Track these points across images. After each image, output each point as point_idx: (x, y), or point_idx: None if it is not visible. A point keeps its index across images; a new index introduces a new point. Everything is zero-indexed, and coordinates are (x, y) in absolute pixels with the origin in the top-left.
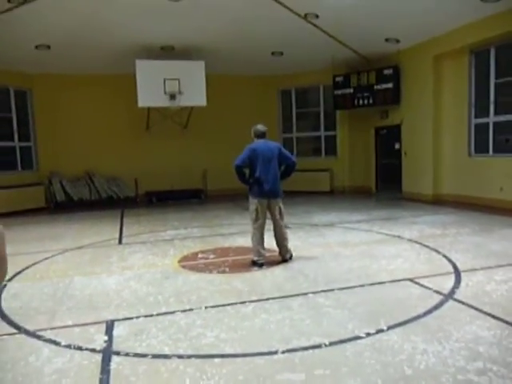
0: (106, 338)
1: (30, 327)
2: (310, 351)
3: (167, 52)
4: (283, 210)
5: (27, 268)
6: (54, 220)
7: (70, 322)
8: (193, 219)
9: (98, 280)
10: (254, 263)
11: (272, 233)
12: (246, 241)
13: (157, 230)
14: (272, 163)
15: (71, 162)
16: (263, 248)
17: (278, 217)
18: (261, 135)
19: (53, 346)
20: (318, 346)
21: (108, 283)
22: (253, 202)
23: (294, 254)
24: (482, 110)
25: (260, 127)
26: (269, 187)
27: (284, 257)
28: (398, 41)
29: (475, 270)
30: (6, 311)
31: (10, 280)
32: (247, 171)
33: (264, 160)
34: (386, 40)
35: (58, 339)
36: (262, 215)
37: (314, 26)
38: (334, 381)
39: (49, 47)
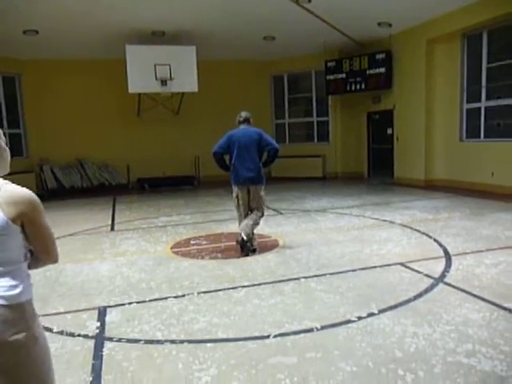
0: (98, 324)
1: None
2: (302, 335)
3: (158, 37)
4: (263, 198)
5: None
6: (46, 207)
7: (62, 309)
8: (185, 206)
9: (90, 267)
10: (237, 242)
11: (265, 220)
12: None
13: (149, 216)
14: (250, 150)
15: (62, 149)
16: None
17: (254, 204)
18: (242, 121)
19: (45, 333)
20: (310, 330)
21: (100, 270)
22: (234, 189)
23: (285, 240)
24: (473, 94)
25: (242, 113)
26: (246, 174)
27: (237, 239)
28: (390, 25)
29: (466, 253)
30: None
31: None
32: (228, 157)
33: (241, 147)
34: (379, 24)
35: (50, 326)
36: (242, 201)
37: (306, 10)
38: (325, 363)
39: (37, 32)
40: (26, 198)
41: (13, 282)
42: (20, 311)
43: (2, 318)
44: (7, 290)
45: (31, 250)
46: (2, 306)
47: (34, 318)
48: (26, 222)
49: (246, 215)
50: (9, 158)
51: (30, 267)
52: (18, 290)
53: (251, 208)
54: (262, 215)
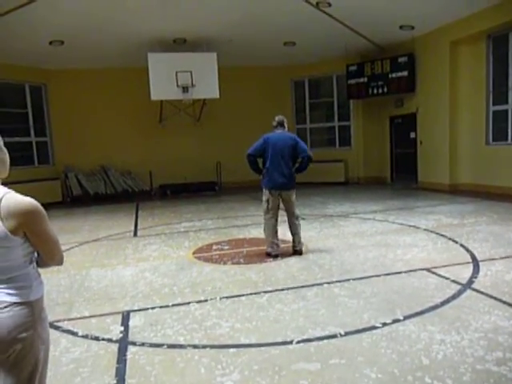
0: (122, 328)
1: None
2: (326, 341)
3: (179, 45)
4: (295, 202)
5: None
6: (71, 214)
7: (86, 313)
8: (207, 211)
9: (114, 272)
10: (269, 255)
11: (286, 224)
12: (260, 232)
13: (171, 222)
14: (284, 155)
15: (86, 157)
16: (276, 239)
17: (290, 209)
18: (277, 125)
19: (70, 337)
20: (334, 336)
21: (124, 275)
22: (265, 193)
23: (308, 245)
24: (500, 96)
25: (276, 117)
26: (279, 179)
27: (295, 247)
28: (412, 27)
29: (494, 259)
30: None
31: None
32: (261, 161)
33: (276, 151)
34: (401, 27)
35: (75, 330)
36: (273, 206)
37: (327, 14)
38: (349, 370)
39: (62, 42)
40: (25, 208)
41: (19, 284)
42: (29, 309)
43: (13, 316)
44: (14, 290)
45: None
46: (9, 304)
47: (43, 319)
48: (28, 232)
49: (276, 220)
50: (8, 160)
51: (38, 265)
52: (24, 291)
53: (287, 211)
54: (299, 219)
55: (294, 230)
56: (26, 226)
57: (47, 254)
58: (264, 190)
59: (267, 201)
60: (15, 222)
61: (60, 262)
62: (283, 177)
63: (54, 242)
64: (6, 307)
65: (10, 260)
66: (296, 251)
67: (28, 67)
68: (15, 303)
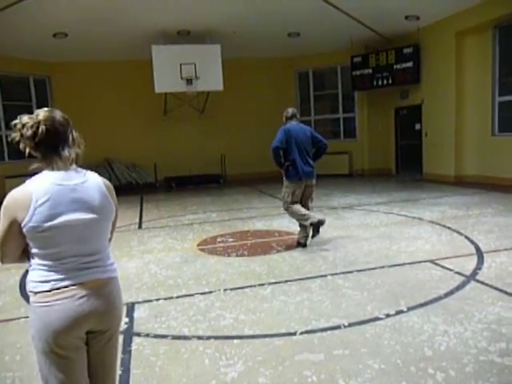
0: (126, 319)
1: None
2: (329, 332)
3: (183, 37)
4: (314, 192)
5: None
6: None
7: None
8: (211, 204)
9: (119, 264)
10: (299, 243)
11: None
12: (264, 224)
13: (176, 214)
14: (307, 145)
15: (91, 149)
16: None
17: (309, 200)
18: (290, 117)
19: None
20: (337, 327)
21: (128, 267)
22: (289, 186)
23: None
24: (506, 87)
25: (289, 109)
26: (306, 169)
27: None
28: (418, 18)
29: (498, 250)
30: None
31: None
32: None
33: (299, 142)
34: (406, 18)
35: None
36: (297, 198)
37: (331, 5)
38: (353, 361)
39: (66, 35)
40: (111, 186)
41: (112, 261)
42: (118, 284)
43: (117, 288)
44: (113, 266)
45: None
46: (114, 278)
47: None
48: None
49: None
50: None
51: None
52: (115, 266)
53: (306, 199)
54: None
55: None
56: (115, 202)
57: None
58: (288, 182)
59: (292, 193)
60: (114, 198)
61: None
62: (309, 166)
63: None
64: (117, 278)
65: (106, 236)
66: (313, 224)
67: (32, 60)
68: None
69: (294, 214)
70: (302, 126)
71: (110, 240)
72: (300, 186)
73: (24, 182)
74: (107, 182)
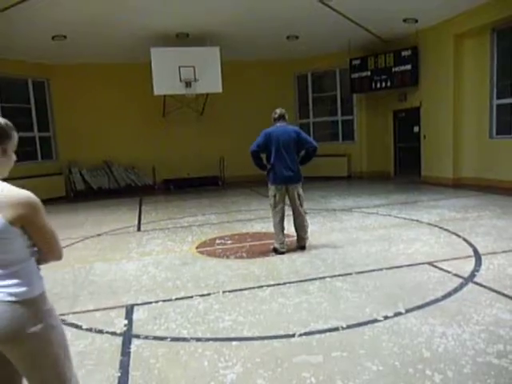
0: (125, 321)
1: None
2: (328, 334)
3: (182, 39)
4: (303, 195)
5: None
6: (74, 208)
7: (91, 307)
8: (210, 206)
9: (118, 266)
10: (275, 250)
11: (288, 220)
12: (263, 226)
13: (175, 216)
14: (289, 148)
15: (90, 152)
16: (283, 235)
17: (297, 203)
18: (277, 118)
19: (75, 330)
20: (336, 329)
21: (127, 269)
22: (271, 188)
23: (311, 240)
24: (504, 90)
25: (277, 110)
26: (285, 173)
27: (300, 243)
28: (416, 21)
29: (496, 253)
30: None
31: None
32: (265, 156)
33: (279, 145)
34: (404, 20)
35: (79, 323)
36: (280, 201)
37: (330, 8)
38: (351, 362)
39: (65, 37)
40: (25, 200)
41: (20, 280)
42: (33, 305)
43: (17, 313)
44: (16, 287)
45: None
46: (14, 302)
47: (49, 310)
48: (26, 224)
49: (283, 215)
50: (11, 165)
51: (38, 263)
52: (27, 287)
53: (293, 207)
54: (305, 213)
55: (300, 228)
56: (24, 217)
57: (46, 248)
58: (270, 185)
59: (274, 196)
60: (15, 213)
61: (59, 257)
62: (289, 170)
63: (52, 236)
64: (13, 303)
65: (10, 252)
66: (302, 247)
67: (31, 62)
68: (19, 301)
69: (273, 225)
70: (287, 127)
71: (41, 253)
72: (280, 190)
73: (21, 184)
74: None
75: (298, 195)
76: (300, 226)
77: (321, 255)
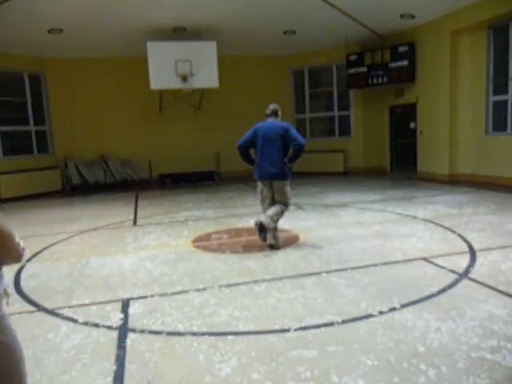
0: (121, 315)
1: (48, 305)
2: (323, 329)
3: (179, 33)
4: (288, 195)
5: (45, 249)
6: (70, 202)
7: (86, 301)
8: (206, 201)
9: (114, 260)
10: (271, 246)
11: (286, 215)
12: None
13: (171, 211)
14: (274, 144)
15: (86, 146)
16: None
17: (278, 198)
18: (269, 114)
19: (70, 324)
20: (331, 324)
21: (123, 263)
22: (258, 184)
23: (306, 235)
24: (500, 86)
25: (270, 105)
26: (270, 169)
27: (263, 228)
28: (413, 16)
29: (491, 249)
30: (25, 290)
31: (28, 261)
32: (253, 151)
33: (265, 140)
34: (401, 16)
35: (75, 317)
36: (267, 196)
37: (327, 3)
38: (346, 357)
39: (61, 31)
40: None
41: None
42: None
43: None
44: None
45: None
46: None
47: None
48: None
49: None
50: None
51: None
52: None
53: (276, 201)
54: (286, 209)
55: (273, 208)
56: None
57: (1, 249)
58: (257, 181)
59: (261, 192)
60: None
61: (17, 259)
62: (274, 167)
63: (7, 237)
64: None
65: None
66: (271, 246)
67: (27, 56)
68: None
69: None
70: (274, 123)
71: None
72: (266, 186)
73: (17, 178)
74: None
75: (284, 192)
76: (272, 209)
77: (316, 250)
